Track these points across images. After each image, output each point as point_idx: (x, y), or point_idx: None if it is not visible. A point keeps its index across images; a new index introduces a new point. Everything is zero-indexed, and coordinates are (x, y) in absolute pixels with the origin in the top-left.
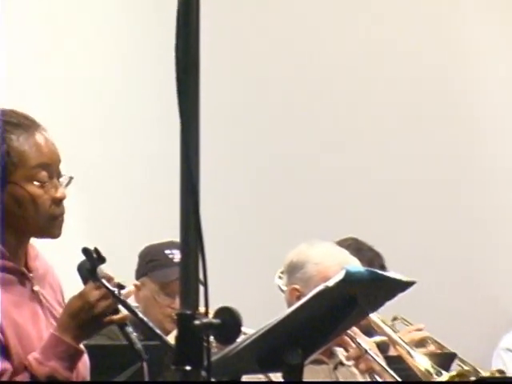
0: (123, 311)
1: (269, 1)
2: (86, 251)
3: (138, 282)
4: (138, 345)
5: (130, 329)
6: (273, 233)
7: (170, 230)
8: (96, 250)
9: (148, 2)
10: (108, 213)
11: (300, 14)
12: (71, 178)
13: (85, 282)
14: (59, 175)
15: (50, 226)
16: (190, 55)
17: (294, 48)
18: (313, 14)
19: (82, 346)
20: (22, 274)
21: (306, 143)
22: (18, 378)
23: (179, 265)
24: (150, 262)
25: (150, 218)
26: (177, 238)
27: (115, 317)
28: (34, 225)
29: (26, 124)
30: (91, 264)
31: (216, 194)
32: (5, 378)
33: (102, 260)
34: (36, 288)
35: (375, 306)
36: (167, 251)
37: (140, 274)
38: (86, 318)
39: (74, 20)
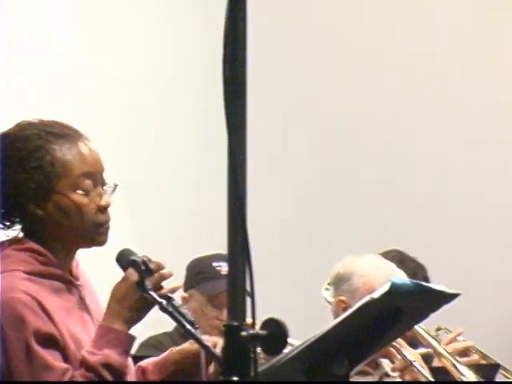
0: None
1: (315, 23)
2: (133, 263)
3: (185, 294)
4: (188, 316)
5: (176, 302)
6: (319, 245)
7: (217, 243)
8: (144, 261)
9: (195, 14)
10: (156, 225)
11: (349, 32)
12: (116, 186)
13: (124, 270)
14: (103, 183)
15: (96, 233)
16: (237, 74)
17: (342, 62)
18: (365, 37)
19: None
20: (69, 281)
21: (350, 156)
22: (77, 374)
23: (227, 277)
24: (198, 274)
25: (197, 231)
26: (224, 251)
27: (160, 292)
28: (80, 233)
29: (68, 134)
30: (139, 276)
31: (263, 207)
32: (67, 377)
33: (149, 272)
34: (83, 295)
35: (420, 318)
36: (215, 263)
37: (188, 286)
38: (133, 299)
39: (123, 35)
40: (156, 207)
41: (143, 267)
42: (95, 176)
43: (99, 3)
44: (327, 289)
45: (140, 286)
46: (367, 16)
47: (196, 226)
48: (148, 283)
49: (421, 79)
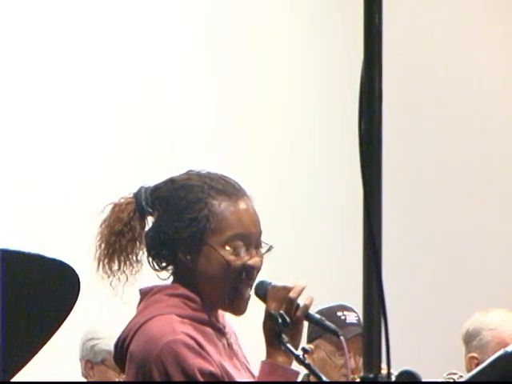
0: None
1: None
2: (271, 316)
3: (311, 346)
4: (327, 322)
5: (315, 315)
6: (451, 297)
7: (349, 293)
8: (281, 314)
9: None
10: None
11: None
12: (271, 247)
13: (264, 300)
14: (258, 245)
15: (235, 299)
16: (373, 130)
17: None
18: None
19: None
20: (218, 329)
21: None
22: None
23: (362, 327)
24: None
25: (327, 279)
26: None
27: (299, 312)
28: (219, 294)
29: (230, 192)
30: (278, 328)
31: (398, 257)
32: None
33: (286, 325)
34: (230, 343)
35: None
36: (339, 313)
37: (313, 336)
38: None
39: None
40: (286, 252)
41: (280, 320)
42: (249, 238)
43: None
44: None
45: (277, 339)
46: None
47: (325, 276)
48: (285, 336)
49: None
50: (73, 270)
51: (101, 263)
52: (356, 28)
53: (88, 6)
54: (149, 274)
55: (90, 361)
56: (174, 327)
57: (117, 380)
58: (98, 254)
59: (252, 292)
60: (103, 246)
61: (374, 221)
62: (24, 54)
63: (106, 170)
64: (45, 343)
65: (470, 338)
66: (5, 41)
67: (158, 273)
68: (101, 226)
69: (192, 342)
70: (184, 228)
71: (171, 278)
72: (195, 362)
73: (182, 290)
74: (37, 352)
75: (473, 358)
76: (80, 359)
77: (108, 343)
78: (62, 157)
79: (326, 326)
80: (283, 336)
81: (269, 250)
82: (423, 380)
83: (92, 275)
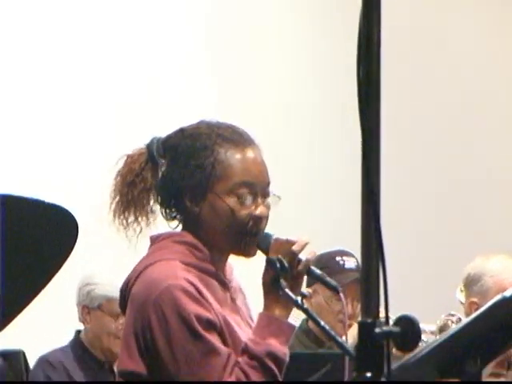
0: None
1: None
2: (270, 261)
3: (310, 290)
4: (328, 278)
5: (316, 270)
6: (450, 243)
7: (349, 238)
8: (280, 260)
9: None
10: (282, 222)
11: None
12: (279, 198)
13: (266, 253)
14: (265, 195)
15: (243, 242)
16: (372, 75)
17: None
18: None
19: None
20: (223, 282)
21: (483, 153)
22: (240, 360)
23: (360, 273)
24: (322, 269)
25: (329, 224)
26: (353, 246)
27: (301, 266)
28: (228, 239)
29: (237, 140)
30: (275, 274)
31: (396, 207)
32: (232, 360)
33: (284, 270)
34: (233, 297)
35: None
36: (338, 258)
37: (312, 281)
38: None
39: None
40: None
41: (279, 265)
42: (255, 186)
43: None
44: (462, 291)
45: (275, 284)
46: None
47: (327, 221)
48: (283, 281)
49: None
50: (71, 216)
51: (116, 215)
52: (356, 28)
53: (88, 6)
54: (163, 224)
55: (87, 306)
56: (176, 272)
57: (113, 326)
58: (113, 206)
59: None
60: (117, 197)
61: (373, 166)
62: (24, 53)
63: (105, 170)
64: (43, 288)
65: (471, 283)
66: (5, 40)
67: (168, 222)
68: (115, 178)
69: (192, 289)
70: (190, 175)
71: (180, 227)
72: (192, 308)
73: (189, 238)
74: (35, 296)
75: (473, 303)
76: (77, 304)
77: (104, 289)
78: (60, 158)
79: (327, 282)
80: (281, 281)
81: (276, 200)
82: (421, 326)
83: (96, 223)
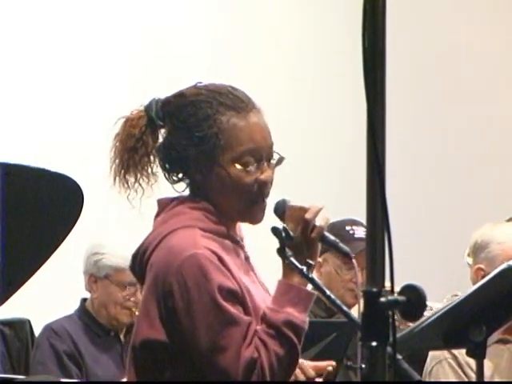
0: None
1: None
2: (275, 230)
3: (320, 259)
4: (341, 244)
5: (330, 236)
6: (456, 212)
7: (355, 209)
8: (285, 228)
9: None
10: (289, 190)
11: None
12: (282, 159)
13: (282, 219)
14: (269, 158)
15: (251, 210)
16: (377, 44)
17: (474, 55)
18: None
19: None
20: (237, 242)
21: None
22: (259, 329)
23: (363, 241)
24: None
25: (335, 195)
26: (359, 216)
27: (314, 233)
28: (235, 208)
29: (239, 106)
30: (280, 242)
31: (402, 175)
32: (252, 330)
33: (290, 239)
34: (247, 256)
35: None
36: (348, 227)
37: (321, 250)
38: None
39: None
40: (290, 171)
41: (284, 234)
42: (259, 152)
43: None
44: (469, 255)
45: (281, 252)
46: None
47: (333, 190)
48: (288, 250)
49: None
50: (76, 184)
51: (117, 177)
52: (358, 23)
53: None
54: (165, 185)
55: (94, 275)
56: (197, 241)
57: (119, 295)
58: (113, 169)
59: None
60: (117, 161)
61: (378, 134)
62: (24, 50)
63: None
64: (48, 257)
65: (478, 250)
66: (5, 35)
67: (174, 185)
68: (114, 139)
69: (214, 258)
70: (193, 146)
71: (187, 191)
72: (215, 278)
73: (203, 204)
74: (41, 266)
75: (480, 269)
76: (84, 273)
77: (113, 259)
78: (62, 154)
79: (340, 248)
80: (286, 250)
81: (280, 161)
82: (426, 293)
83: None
